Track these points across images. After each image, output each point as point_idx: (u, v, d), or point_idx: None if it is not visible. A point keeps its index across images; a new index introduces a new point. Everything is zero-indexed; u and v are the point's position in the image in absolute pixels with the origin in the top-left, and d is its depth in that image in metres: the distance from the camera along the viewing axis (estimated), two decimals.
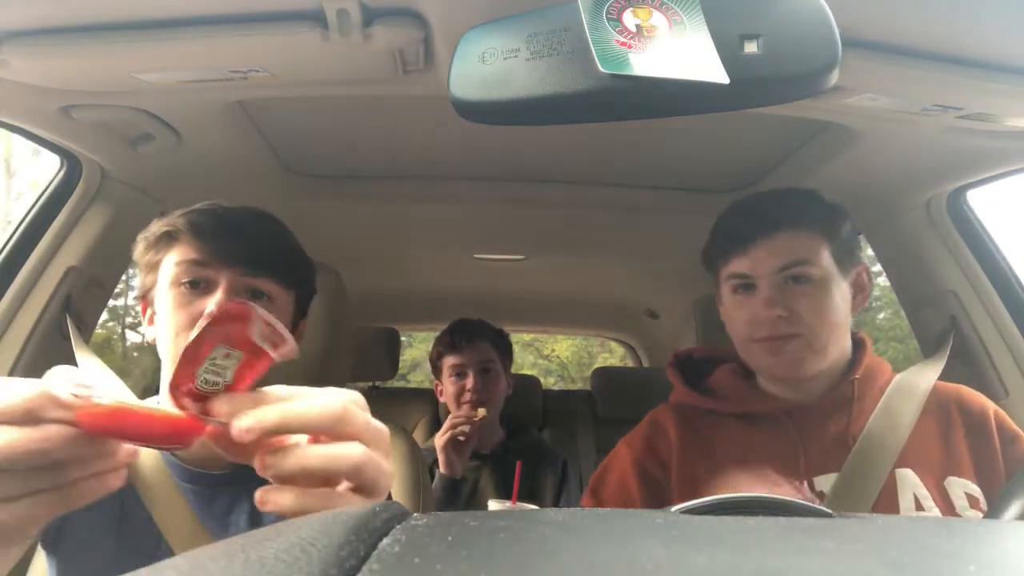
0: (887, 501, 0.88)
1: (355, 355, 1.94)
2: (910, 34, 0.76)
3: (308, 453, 0.43)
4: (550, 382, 9.36)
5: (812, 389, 0.97)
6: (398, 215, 1.58)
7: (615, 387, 2.33)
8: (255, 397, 0.44)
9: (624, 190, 1.45)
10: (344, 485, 0.45)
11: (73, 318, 1.12)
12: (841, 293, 0.94)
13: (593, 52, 0.56)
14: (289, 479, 0.44)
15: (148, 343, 0.87)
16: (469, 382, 1.70)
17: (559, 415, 2.31)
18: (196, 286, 0.82)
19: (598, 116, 0.63)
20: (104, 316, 1.34)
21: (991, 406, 0.96)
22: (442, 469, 1.59)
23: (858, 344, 1.00)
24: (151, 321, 0.87)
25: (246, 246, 0.82)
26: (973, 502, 0.88)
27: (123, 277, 1.29)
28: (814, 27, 0.58)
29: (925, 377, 1.00)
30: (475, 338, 1.74)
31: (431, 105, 0.86)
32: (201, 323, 0.43)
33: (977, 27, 0.75)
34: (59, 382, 0.42)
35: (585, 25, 0.57)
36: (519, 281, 2.21)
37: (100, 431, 0.42)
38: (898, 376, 1.00)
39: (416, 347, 8.32)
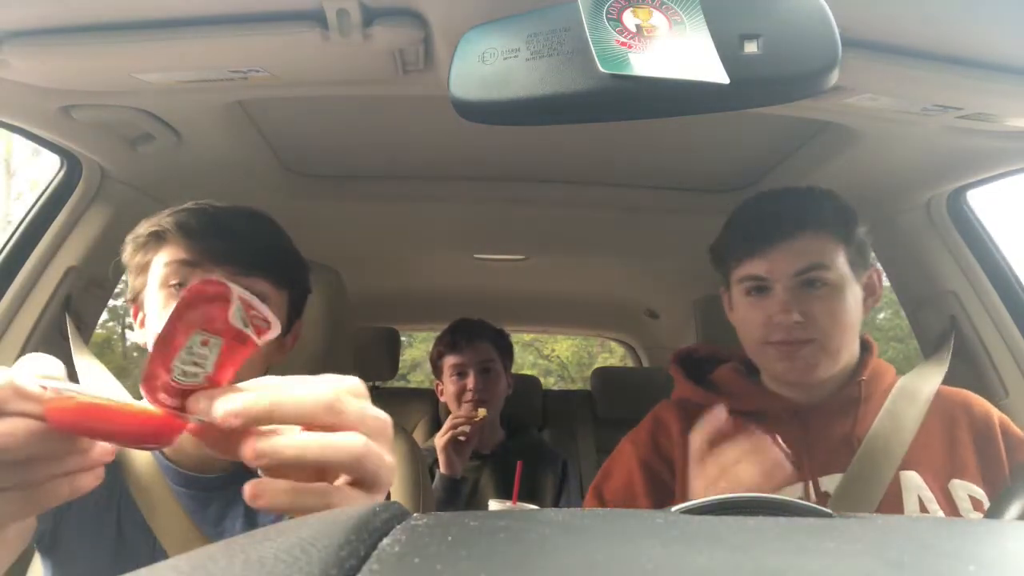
0: (891, 503, 0.88)
1: (355, 355, 1.94)
2: (910, 34, 0.76)
3: (306, 439, 0.39)
4: (550, 382, 9.36)
5: (819, 390, 0.96)
6: (398, 215, 1.58)
7: (615, 387, 2.33)
8: (239, 391, 0.40)
9: (624, 190, 1.45)
10: (342, 479, 0.42)
11: (73, 318, 1.12)
12: (854, 296, 0.93)
13: (593, 52, 0.56)
14: (283, 471, 0.40)
15: (141, 347, 0.85)
16: (470, 381, 1.70)
17: (559, 415, 2.31)
18: (186, 287, 0.81)
19: (598, 116, 0.63)
20: (104, 316, 1.34)
21: (996, 413, 0.96)
22: (442, 469, 1.59)
23: (865, 346, 0.99)
24: (142, 324, 0.85)
25: (236, 245, 0.81)
26: (977, 505, 0.88)
27: (123, 277, 1.29)
28: (814, 27, 0.58)
29: (929, 381, 1.00)
30: (476, 338, 1.74)
31: (431, 105, 0.86)
32: (174, 307, 0.38)
33: (977, 27, 0.75)
34: (26, 373, 0.39)
35: (585, 25, 0.57)
36: (519, 281, 2.21)
37: (69, 427, 0.38)
38: (902, 379, 1.00)
39: (416, 347, 8.32)
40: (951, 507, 0.88)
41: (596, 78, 0.56)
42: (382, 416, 0.43)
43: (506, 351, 1.82)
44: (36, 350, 1.14)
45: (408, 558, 0.24)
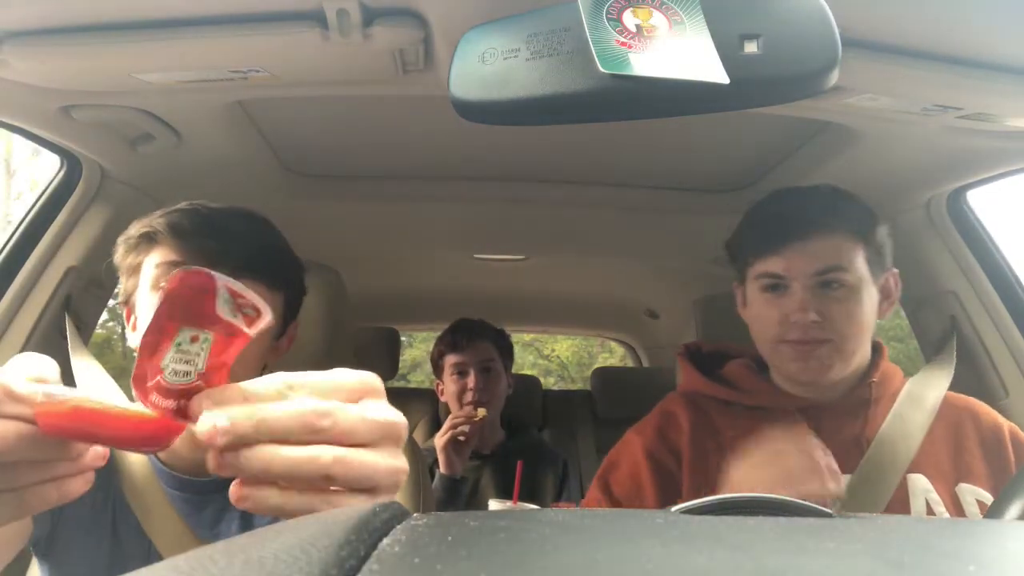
0: (899, 506, 0.88)
1: (355, 355, 1.94)
2: (910, 34, 0.76)
3: (270, 455, 0.37)
4: (550, 382, 9.36)
5: (830, 390, 0.96)
6: (398, 215, 1.58)
7: (615, 387, 2.33)
8: (239, 394, 0.38)
9: (624, 190, 1.45)
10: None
11: (73, 318, 1.11)
12: (871, 298, 0.93)
13: (593, 52, 0.56)
14: (255, 480, 0.38)
15: (134, 351, 0.84)
16: (470, 381, 1.70)
17: (559, 415, 2.31)
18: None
19: (598, 116, 0.63)
20: (104, 316, 1.34)
21: (1006, 422, 0.96)
22: (442, 469, 1.59)
23: (875, 348, 0.99)
24: (135, 327, 0.83)
25: (229, 246, 0.79)
26: (984, 509, 0.88)
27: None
28: (814, 27, 0.58)
29: (935, 387, 1.00)
30: (476, 337, 1.74)
31: (431, 105, 0.86)
32: (157, 301, 0.36)
33: (977, 27, 0.75)
34: (16, 374, 0.38)
35: (585, 25, 0.57)
36: (519, 281, 2.21)
37: (59, 432, 0.37)
38: (908, 384, 1.00)
39: (416, 347, 8.32)
40: (959, 511, 0.88)
41: (596, 78, 0.56)
42: (385, 419, 0.40)
43: (506, 351, 1.82)
44: (36, 350, 1.14)
45: (408, 558, 0.24)
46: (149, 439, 0.38)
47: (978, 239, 1.26)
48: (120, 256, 0.84)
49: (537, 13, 0.60)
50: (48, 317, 1.11)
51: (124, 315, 0.87)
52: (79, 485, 0.41)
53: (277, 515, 0.38)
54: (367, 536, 0.26)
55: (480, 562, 0.24)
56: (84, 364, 1.00)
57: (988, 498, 0.89)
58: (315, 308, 0.96)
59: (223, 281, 0.37)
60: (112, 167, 1.14)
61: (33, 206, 1.15)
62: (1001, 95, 0.84)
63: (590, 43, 0.56)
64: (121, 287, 0.87)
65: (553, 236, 1.73)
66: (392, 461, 0.40)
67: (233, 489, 0.37)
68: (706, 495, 0.88)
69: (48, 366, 0.41)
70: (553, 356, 10.09)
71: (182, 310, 0.37)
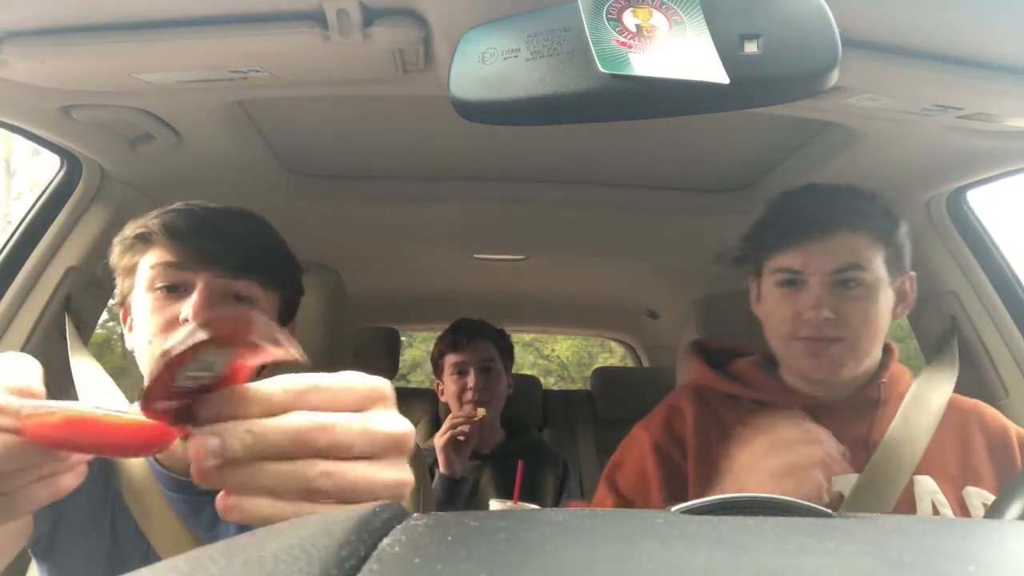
0: (905, 508, 0.88)
1: (355, 355, 1.94)
2: (910, 34, 0.76)
3: (255, 469, 0.35)
4: (550, 382, 9.35)
5: (839, 389, 0.96)
6: (398, 215, 1.58)
7: (615, 387, 2.33)
8: (245, 397, 0.36)
9: (624, 190, 1.45)
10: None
11: (73, 318, 1.11)
12: (887, 300, 0.93)
13: (593, 52, 0.56)
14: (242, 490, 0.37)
15: (131, 351, 0.83)
16: (470, 380, 1.70)
17: (559, 415, 2.31)
18: (173, 290, 0.78)
19: (598, 116, 0.63)
20: (104, 316, 1.34)
21: (1013, 426, 0.96)
22: (442, 469, 1.59)
23: (885, 348, 0.99)
24: (131, 328, 0.83)
25: (225, 246, 0.79)
26: None
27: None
28: (814, 27, 0.58)
29: (939, 388, 0.99)
30: (477, 337, 1.75)
31: (431, 105, 0.86)
32: (187, 338, 0.34)
33: (977, 27, 0.75)
34: (1, 385, 0.37)
35: (585, 25, 0.57)
36: (519, 281, 2.21)
37: (50, 443, 0.36)
38: (913, 386, 1.00)
39: (416, 347, 8.31)
40: (965, 515, 0.88)
41: (596, 78, 0.56)
42: (390, 432, 0.38)
43: (507, 351, 1.82)
44: (36, 350, 1.15)
45: (408, 558, 0.24)
46: (143, 445, 0.37)
47: (978, 239, 1.26)
48: (116, 257, 0.84)
49: (537, 13, 0.60)
50: (48, 317, 1.11)
51: (120, 316, 0.86)
52: (71, 480, 0.40)
53: (267, 524, 0.36)
54: (367, 536, 0.26)
55: (480, 562, 0.24)
56: (84, 364, 1.00)
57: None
58: (315, 308, 0.96)
59: (262, 322, 0.36)
60: (112, 167, 1.14)
61: (33, 206, 1.15)
62: (1001, 95, 0.84)
63: (590, 43, 0.56)
64: (117, 288, 0.86)
65: (553, 236, 1.73)
66: (393, 473, 0.38)
67: (219, 501, 0.36)
68: (711, 487, 0.88)
69: (29, 369, 0.39)
70: (553, 356, 10.09)
71: (213, 344, 0.35)
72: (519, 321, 2.77)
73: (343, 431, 0.36)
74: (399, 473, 0.38)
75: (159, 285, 0.78)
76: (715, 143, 1.26)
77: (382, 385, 0.39)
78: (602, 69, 0.55)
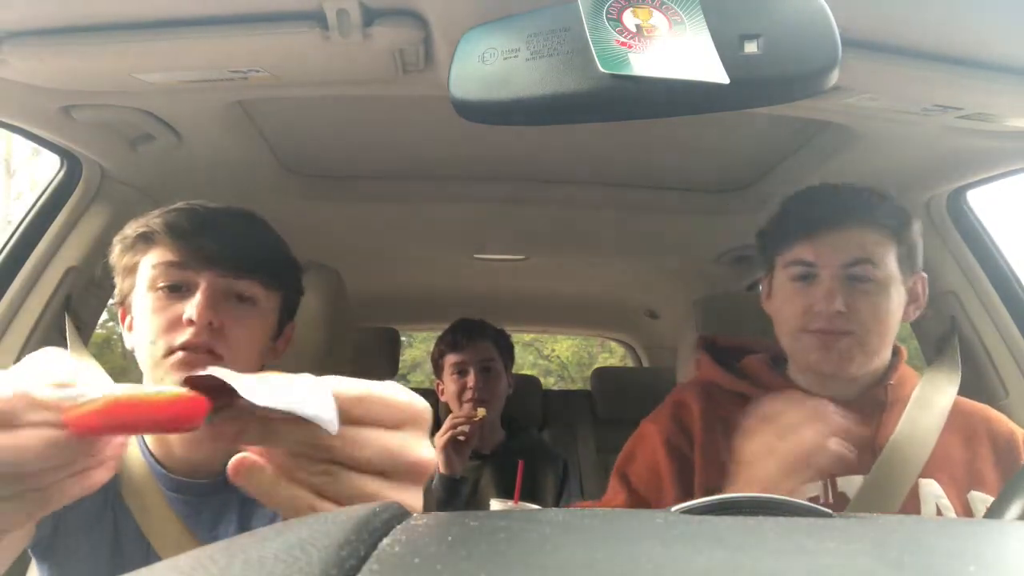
0: (910, 510, 0.88)
1: (355, 355, 1.94)
2: (910, 34, 0.76)
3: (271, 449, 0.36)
4: (550, 382, 9.35)
5: (846, 388, 0.96)
6: (398, 215, 1.58)
7: (615, 387, 2.33)
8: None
9: (624, 190, 1.45)
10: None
11: (72, 318, 1.11)
12: (899, 298, 0.93)
13: (593, 52, 0.56)
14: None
15: (131, 351, 0.83)
16: (471, 380, 1.70)
17: (559, 415, 2.31)
18: (176, 289, 0.78)
19: (598, 116, 0.63)
20: (104, 316, 1.34)
21: (1019, 429, 0.96)
22: (442, 469, 1.59)
23: (894, 351, 0.99)
24: (131, 328, 0.83)
25: (227, 246, 0.79)
26: None
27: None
28: (814, 27, 0.58)
29: (943, 391, 0.99)
30: (477, 337, 1.74)
31: (431, 105, 0.86)
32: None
33: (977, 27, 0.75)
34: (34, 379, 0.37)
35: (585, 25, 0.57)
36: (519, 281, 2.21)
37: (94, 431, 0.36)
38: (917, 389, 1.00)
39: (416, 347, 8.31)
40: (969, 517, 0.88)
41: (596, 78, 0.56)
42: (413, 459, 0.37)
43: (507, 351, 1.82)
44: (36, 350, 1.14)
45: (408, 558, 0.24)
46: (185, 419, 0.36)
47: (978, 239, 1.26)
48: (116, 256, 0.84)
49: (537, 13, 0.60)
50: (48, 317, 1.11)
51: (119, 315, 0.86)
52: (102, 475, 0.39)
53: (265, 501, 0.37)
54: (367, 536, 0.26)
55: (480, 562, 0.24)
56: (84, 364, 1.00)
57: None
58: (315, 308, 0.96)
59: None
60: (112, 167, 1.14)
61: (33, 206, 1.15)
62: (1001, 95, 0.84)
63: (590, 43, 0.56)
64: (117, 287, 0.86)
65: (553, 236, 1.73)
66: (402, 496, 0.37)
67: (233, 463, 0.36)
68: (725, 482, 0.87)
69: (64, 363, 0.39)
70: (553, 356, 10.09)
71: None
72: (519, 321, 2.77)
73: (367, 451, 0.36)
74: (408, 498, 0.37)
75: (161, 285, 0.78)
76: (715, 143, 1.26)
77: (423, 408, 0.39)
78: (602, 69, 0.55)
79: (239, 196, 0.95)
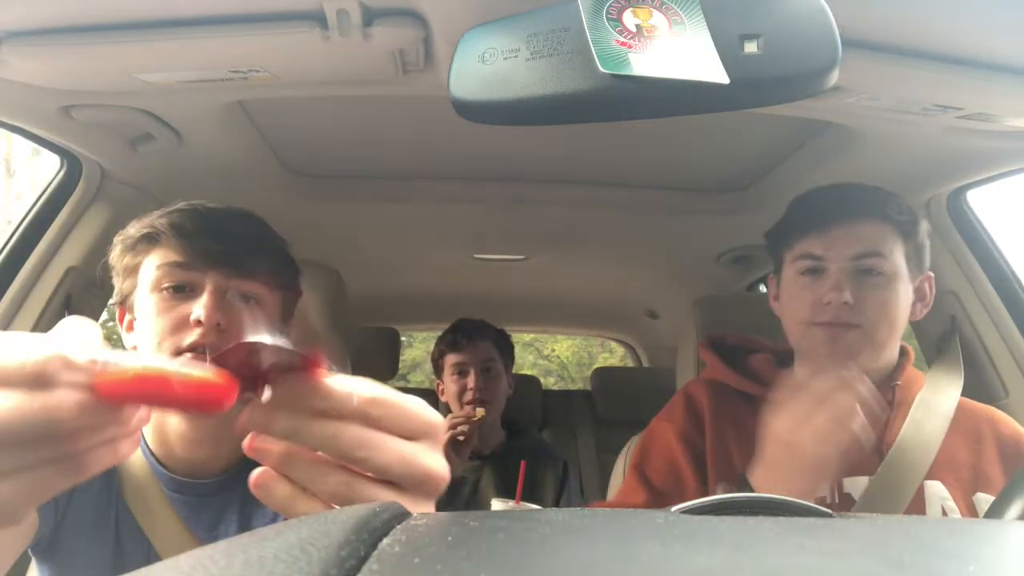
0: (915, 512, 0.88)
1: (355, 355, 1.94)
2: (910, 34, 0.76)
3: (296, 464, 0.38)
4: (550, 382, 9.35)
5: None
6: (398, 215, 1.58)
7: (615, 387, 2.33)
8: (306, 389, 0.38)
9: (624, 190, 1.45)
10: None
11: None
12: (906, 294, 0.93)
13: (593, 52, 0.56)
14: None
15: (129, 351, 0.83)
16: (471, 380, 1.70)
17: (559, 415, 2.31)
18: (180, 290, 0.78)
19: (598, 116, 0.63)
20: (104, 316, 1.34)
21: None
22: None
23: (901, 351, 0.99)
24: (130, 328, 0.83)
25: (231, 247, 0.79)
26: None
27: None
28: (814, 27, 0.58)
29: (946, 392, 0.99)
30: (477, 337, 1.74)
31: (431, 105, 0.86)
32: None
33: (977, 27, 0.75)
34: (70, 342, 0.37)
35: (585, 25, 0.57)
36: (519, 281, 2.21)
37: (122, 399, 0.36)
38: (920, 391, 1.00)
39: (416, 347, 8.31)
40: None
41: (596, 78, 0.56)
42: (427, 471, 0.39)
43: (507, 351, 1.82)
44: None
45: (408, 558, 0.24)
46: (212, 401, 0.37)
47: (978, 239, 1.26)
48: (117, 256, 0.84)
49: (537, 13, 0.60)
50: (48, 317, 1.12)
51: (118, 315, 0.86)
52: (129, 447, 0.40)
53: (283, 511, 0.38)
54: (367, 536, 0.26)
55: (480, 562, 0.24)
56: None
57: None
58: (315, 308, 0.96)
59: None
60: (112, 167, 1.14)
61: (33, 206, 1.15)
62: (1001, 95, 0.84)
63: (590, 43, 0.56)
64: (116, 287, 0.86)
65: (553, 236, 1.73)
66: (415, 509, 0.37)
67: (254, 478, 0.38)
68: (728, 478, 0.87)
69: (92, 331, 0.40)
70: (553, 356, 10.09)
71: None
72: (519, 321, 2.77)
73: (384, 455, 0.37)
74: (421, 510, 0.37)
75: (166, 285, 0.79)
76: (715, 143, 1.26)
77: (439, 423, 0.40)
78: (602, 69, 0.56)
79: (239, 196, 0.95)
